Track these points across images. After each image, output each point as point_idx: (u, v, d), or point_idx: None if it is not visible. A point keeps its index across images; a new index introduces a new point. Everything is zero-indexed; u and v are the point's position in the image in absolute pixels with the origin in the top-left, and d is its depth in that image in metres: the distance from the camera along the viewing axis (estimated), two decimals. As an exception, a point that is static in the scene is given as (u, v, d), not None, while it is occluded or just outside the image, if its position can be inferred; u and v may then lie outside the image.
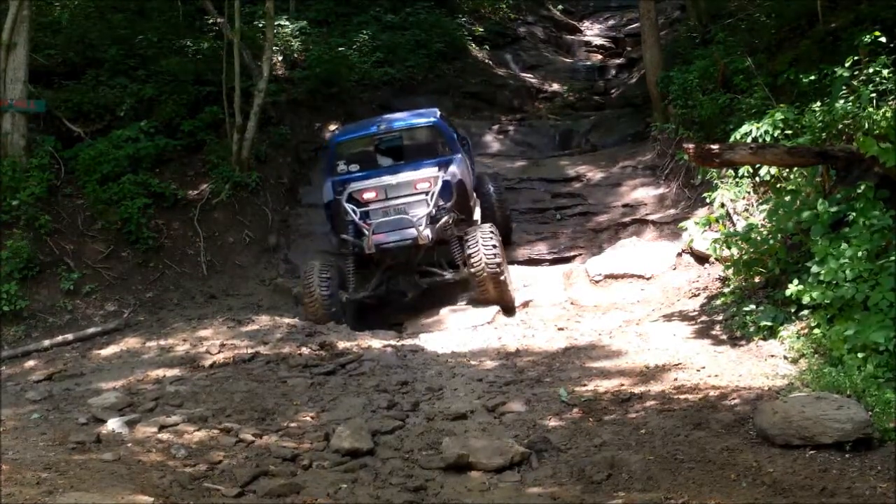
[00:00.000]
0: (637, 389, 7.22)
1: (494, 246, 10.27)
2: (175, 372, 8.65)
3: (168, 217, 12.63)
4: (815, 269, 7.62)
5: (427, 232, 10.41)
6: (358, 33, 17.07)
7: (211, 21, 15.14)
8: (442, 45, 17.49)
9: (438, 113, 11.82)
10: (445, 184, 10.72)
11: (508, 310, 10.55)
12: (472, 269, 10.25)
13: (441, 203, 10.66)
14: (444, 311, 10.62)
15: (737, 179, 10.06)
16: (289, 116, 14.83)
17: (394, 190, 10.72)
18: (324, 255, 11.21)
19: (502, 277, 10.31)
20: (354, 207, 10.60)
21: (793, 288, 7.75)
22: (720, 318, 8.85)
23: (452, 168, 10.89)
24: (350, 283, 10.77)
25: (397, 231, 10.51)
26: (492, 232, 10.45)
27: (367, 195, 10.70)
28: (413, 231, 10.44)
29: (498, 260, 10.23)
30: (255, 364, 8.75)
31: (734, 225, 9.86)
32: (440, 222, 10.60)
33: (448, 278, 10.85)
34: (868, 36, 9.32)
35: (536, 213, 13.19)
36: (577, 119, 16.76)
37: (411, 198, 10.67)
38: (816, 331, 7.42)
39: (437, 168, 10.84)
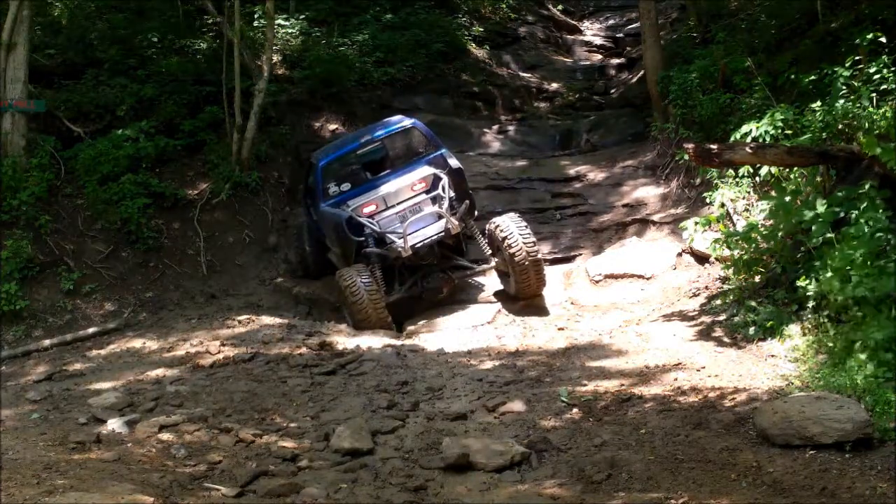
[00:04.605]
0: (637, 389, 7.21)
1: (529, 231, 10.13)
2: (175, 372, 8.65)
3: (168, 217, 12.65)
4: (819, 267, 7.60)
5: (455, 220, 10.27)
6: (358, 33, 17.07)
7: (211, 21, 15.15)
8: (442, 45, 17.47)
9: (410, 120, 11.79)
10: (456, 171, 10.65)
11: (537, 297, 10.44)
12: (514, 259, 9.92)
13: (451, 194, 10.57)
14: (445, 311, 10.60)
15: (737, 179, 10.06)
16: (289, 116, 14.83)
17: (393, 197, 10.65)
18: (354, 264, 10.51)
19: (541, 265, 10.16)
20: (370, 220, 10.46)
21: (802, 283, 7.69)
22: (720, 318, 8.83)
23: (451, 160, 10.86)
24: (382, 287, 10.45)
25: (424, 228, 10.34)
26: (521, 217, 10.34)
27: (368, 208, 10.59)
28: (440, 224, 10.28)
29: (537, 246, 10.08)
30: (255, 364, 8.75)
31: (734, 225, 9.86)
32: (460, 210, 10.48)
33: (478, 270, 10.84)
34: (868, 36, 9.32)
35: (536, 213, 13.16)
36: (577, 119, 16.73)
37: (416, 198, 10.62)
38: (817, 330, 7.41)
39: (427, 166, 10.81)
